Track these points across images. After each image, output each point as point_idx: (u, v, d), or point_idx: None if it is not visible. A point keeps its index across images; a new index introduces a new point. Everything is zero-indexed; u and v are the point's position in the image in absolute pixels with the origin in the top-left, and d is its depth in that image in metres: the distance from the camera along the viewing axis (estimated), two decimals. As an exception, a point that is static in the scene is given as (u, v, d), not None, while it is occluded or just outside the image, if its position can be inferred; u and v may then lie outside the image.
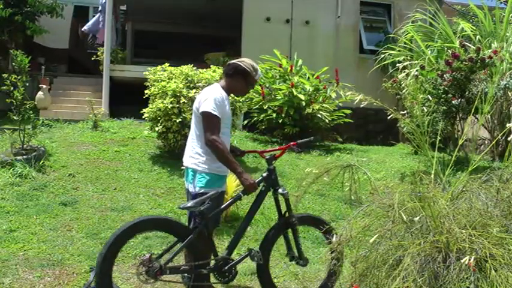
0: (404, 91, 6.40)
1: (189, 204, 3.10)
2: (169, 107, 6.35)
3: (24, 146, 6.36)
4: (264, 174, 3.41)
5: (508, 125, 3.43)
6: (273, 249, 3.51)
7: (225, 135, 3.32)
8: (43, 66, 10.52)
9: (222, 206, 3.30)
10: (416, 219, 2.66)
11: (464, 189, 2.94)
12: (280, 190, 3.40)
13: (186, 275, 3.22)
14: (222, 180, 3.30)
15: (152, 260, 2.98)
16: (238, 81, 3.37)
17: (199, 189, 3.21)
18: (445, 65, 6.48)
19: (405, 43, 8.51)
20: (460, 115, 6.73)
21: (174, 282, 3.30)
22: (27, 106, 6.42)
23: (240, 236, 3.38)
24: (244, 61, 3.40)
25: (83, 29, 11.79)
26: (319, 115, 8.02)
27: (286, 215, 3.47)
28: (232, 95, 3.65)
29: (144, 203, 5.47)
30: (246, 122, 9.04)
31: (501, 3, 10.25)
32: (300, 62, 9.04)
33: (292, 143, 3.68)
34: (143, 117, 6.89)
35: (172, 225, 3.21)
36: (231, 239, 3.43)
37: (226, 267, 3.22)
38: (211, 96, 3.21)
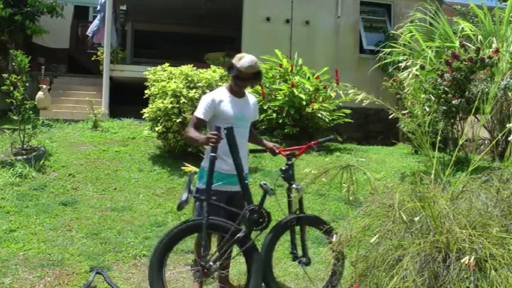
0: (405, 91, 6.39)
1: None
2: (169, 107, 6.36)
3: (24, 146, 6.36)
4: (283, 168, 3.52)
5: (508, 125, 3.42)
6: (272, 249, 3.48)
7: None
8: (43, 66, 10.50)
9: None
10: (416, 219, 2.66)
11: (464, 189, 2.94)
12: (294, 185, 3.43)
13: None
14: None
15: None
16: (232, 77, 3.46)
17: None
18: (445, 65, 6.47)
19: (406, 42, 8.50)
20: (460, 115, 6.72)
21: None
22: (27, 106, 6.42)
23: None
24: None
25: (87, 33, 11.76)
26: (319, 115, 8.01)
27: (297, 212, 3.47)
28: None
29: (144, 203, 5.47)
30: (246, 122, 9.01)
31: (501, 3, 10.24)
32: (300, 61, 9.04)
33: (312, 142, 3.75)
34: (143, 117, 6.90)
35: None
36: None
37: (255, 216, 3.18)
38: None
